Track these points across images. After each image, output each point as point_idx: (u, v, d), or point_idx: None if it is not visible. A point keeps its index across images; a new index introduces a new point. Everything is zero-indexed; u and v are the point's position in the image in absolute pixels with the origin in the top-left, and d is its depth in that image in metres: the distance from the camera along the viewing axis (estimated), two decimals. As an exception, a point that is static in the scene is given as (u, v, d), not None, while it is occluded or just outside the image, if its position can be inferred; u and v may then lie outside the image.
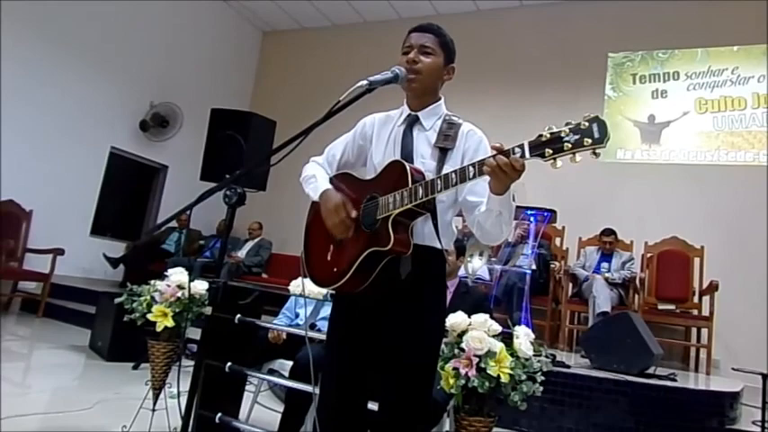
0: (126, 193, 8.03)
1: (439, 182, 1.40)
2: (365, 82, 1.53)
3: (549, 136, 1.25)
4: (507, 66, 7.16)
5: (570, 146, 1.22)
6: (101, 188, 7.01)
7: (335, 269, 1.54)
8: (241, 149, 3.27)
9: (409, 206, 1.44)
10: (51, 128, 6.37)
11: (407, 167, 1.48)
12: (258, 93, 8.97)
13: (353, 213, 1.53)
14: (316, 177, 1.68)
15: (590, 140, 1.21)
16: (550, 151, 1.24)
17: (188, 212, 1.87)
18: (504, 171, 1.29)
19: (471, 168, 1.35)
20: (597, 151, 1.21)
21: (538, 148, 1.26)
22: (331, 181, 1.71)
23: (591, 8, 6.85)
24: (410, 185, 1.44)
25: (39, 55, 6.20)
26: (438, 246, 1.55)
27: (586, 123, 1.22)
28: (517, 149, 1.28)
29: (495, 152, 1.30)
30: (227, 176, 2.42)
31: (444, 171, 1.47)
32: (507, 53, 7.20)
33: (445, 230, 1.58)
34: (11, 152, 5.89)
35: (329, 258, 1.58)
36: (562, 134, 1.23)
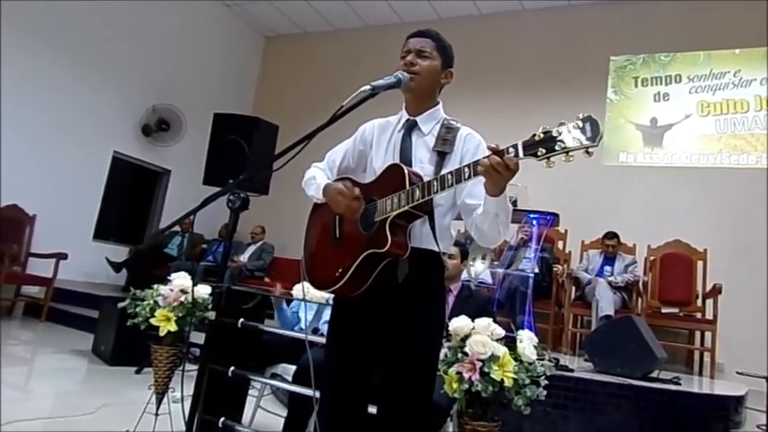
0: (129, 197, 8.05)
1: (435, 183, 1.41)
2: (368, 87, 1.54)
3: (542, 136, 1.26)
4: (509, 69, 7.17)
5: (563, 145, 1.23)
6: (103, 192, 7.04)
7: (334, 272, 1.55)
8: (244, 154, 3.28)
9: (406, 208, 1.45)
10: (54, 132, 6.39)
11: (406, 171, 1.49)
12: (261, 97, 8.98)
13: (357, 191, 1.56)
14: (316, 178, 1.72)
15: (582, 140, 1.22)
16: (543, 151, 1.26)
17: (191, 217, 1.87)
18: (497, 171, 1.31)
19: (467, 169, 1.36)
20: (590, 150, 1.23)
21: (531, 147, 1.27)
22: None
23: (593, 12, 6.86)
24: (407, 188, 1.45)
25: (41, 59, 6.22)
26: (435, 249, 1.56)
27: (579, 123, 1.23)
28: (511, 149, 1.30)
29: (490, 152, 1.32)
30: (231, 181, 2.43)
31: None
32: (509, 56, 7.21)
33: (443, 233, 1.59)
34: (13, 156, 5.91)
35: (328, 261, 1.59)
36: (555, 134, 1.24)
